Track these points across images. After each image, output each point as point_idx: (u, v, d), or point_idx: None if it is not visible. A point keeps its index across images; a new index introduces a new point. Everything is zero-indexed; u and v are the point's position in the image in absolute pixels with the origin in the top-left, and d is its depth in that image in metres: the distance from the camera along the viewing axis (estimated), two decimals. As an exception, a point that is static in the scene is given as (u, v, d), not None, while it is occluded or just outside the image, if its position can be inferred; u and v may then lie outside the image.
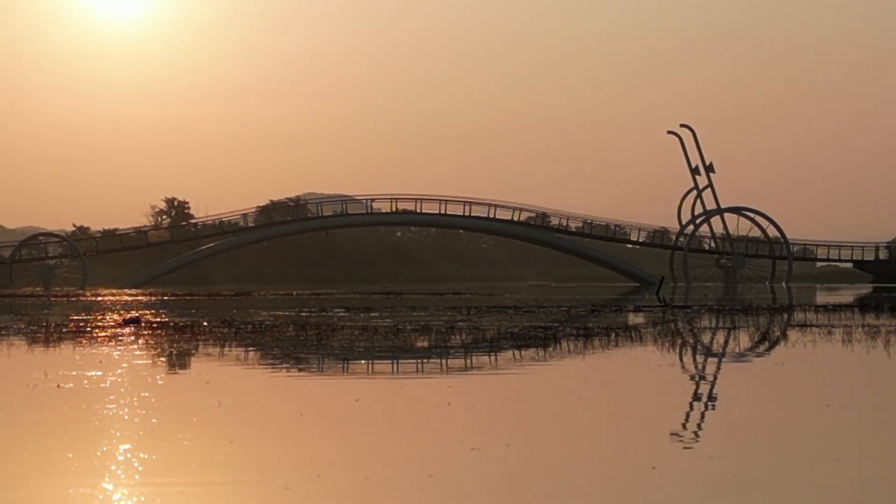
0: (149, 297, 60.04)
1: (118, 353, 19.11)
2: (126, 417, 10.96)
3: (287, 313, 35.48)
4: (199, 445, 9.28)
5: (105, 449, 9.04)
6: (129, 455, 8.75)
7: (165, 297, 59.32)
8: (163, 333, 24.31)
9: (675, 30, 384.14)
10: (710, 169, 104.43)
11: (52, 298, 60.74)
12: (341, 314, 34.45)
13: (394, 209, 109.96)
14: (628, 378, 15.49)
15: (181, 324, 28.21)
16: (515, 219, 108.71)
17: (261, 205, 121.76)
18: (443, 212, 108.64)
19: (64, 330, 25.87)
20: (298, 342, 21.56)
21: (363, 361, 17.72)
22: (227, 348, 20.20)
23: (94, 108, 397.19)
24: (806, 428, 10.32)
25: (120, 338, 23.00)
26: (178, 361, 18.14)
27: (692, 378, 15.55)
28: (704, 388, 14.06)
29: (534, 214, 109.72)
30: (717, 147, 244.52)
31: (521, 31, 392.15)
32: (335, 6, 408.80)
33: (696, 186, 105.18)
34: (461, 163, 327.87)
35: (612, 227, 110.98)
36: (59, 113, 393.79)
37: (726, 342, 23.50)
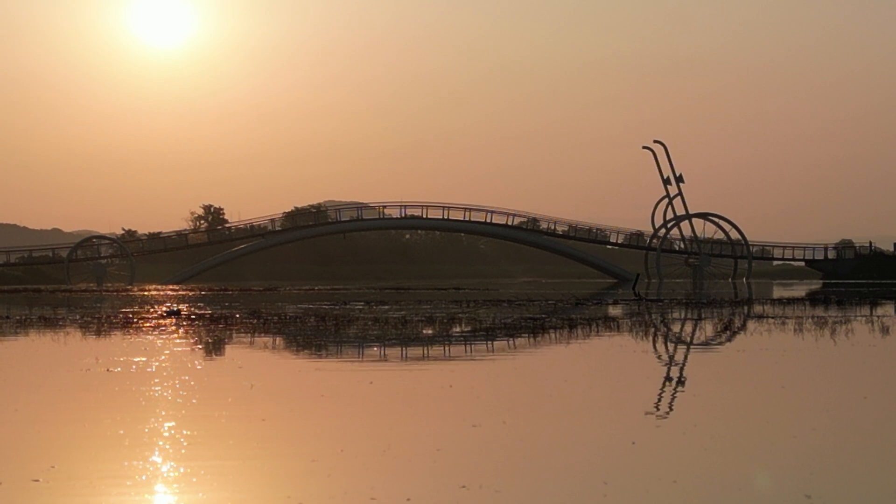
0: (188, 292, 60.05)
1: (161, 341, 19.11)
2: (169, 398, 10.96)
3: (309, 306, 35.49)
4: (235, 423, 9.29)
5: (152, 426, 9.04)
6: (173, 431, 8.76)
7: (203, 292, 59.32)
8: (200, 324, 24.32)
9: (650, 58, 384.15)
10: (679, 179, 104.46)
11: (104, 293, 60.71)
12: (359, 307, 34.44)
13: (403, 215, 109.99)
14: (608, 363, 15.49)
15: (216, 315, 28.21)
16: (509, 223, 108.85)
17: (287, 211, 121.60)
18: (446, 217, 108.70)
19: (113, 321, 25.87)
20: (319, 332, 21.56)
21: (376, 348, 17.71)
22: (257, 337, 20.20)
23: (141, 126, 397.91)
24: (765, 407, 10.32)
25: (163, 328, 23.01)
26: (214, 348, 18.14)
27: (664, 363, 15.54)
28: (675, 372, 14.04)
29: (525, 219, 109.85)
30: (686, 160, 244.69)
31: (514, 62, 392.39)
32: (352, 42, 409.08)
33: (668, 195, 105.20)
34: (462, 174, 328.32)
35: (594, 231, 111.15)
36: (111, 131, 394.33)
37: (693, 331, 23.50)
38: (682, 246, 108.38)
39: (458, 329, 22.59)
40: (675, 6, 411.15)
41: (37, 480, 6.73)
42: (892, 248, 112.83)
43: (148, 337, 20.14)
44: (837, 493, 6.43)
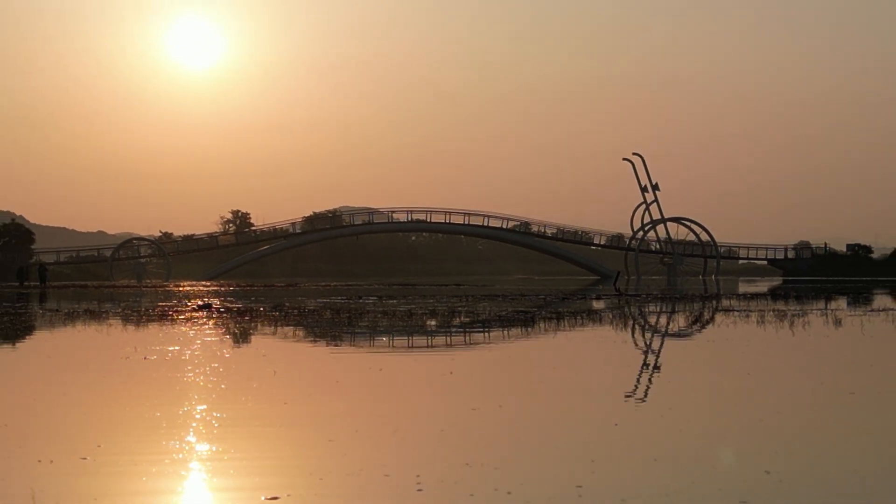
0: (218, 288, 60.02)
1: (193, 332, 19.09)
2: (200, 383, 10.93)
3: (326, 300, 35.45)
4: (259, 406, 9.27)
5: (186, 409, 9.02)
6: (204, 413, 8.74)
7: (231, 288, 59.29)
8: (228, 316, 24.29)
9: (629, 78, 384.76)
10: (655, 187, 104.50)
11: (143, 289, 60.65)
12: (371, 301, 34.39)
13: (409, 219, 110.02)
14: (591, 351, 15.47)
15: (243, 309, 28.19)
16: (504, 226, 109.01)
17: (306, 215, 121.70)
18: (448, 221, 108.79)
19: (151, 313, 25.85)
20: (334, 323, 21.52)
21: (385, 338, 17.69)
22: (279, 328, 20.18)
23: (177, 139, 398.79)
24: (733, 392, 10.30)
25: (195, 320, 22.98)
26: (241, 338, 18.11)
27: (641, 351, 15.51)
28: (651, 359, 14.02)
29: (518, 223, 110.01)
30: (661, 170, 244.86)
31: (509, 83, 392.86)
32: (364, 66, 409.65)
33: (645, 201, 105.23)
34: (462, 183, 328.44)
35: (580, 233, 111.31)
36: (150, 144, 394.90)
37: (668, 323, 23.46)
38: (657, 247, 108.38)
39: (458, 321, 22.55)
40: (651, 35, 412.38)
41: (84, 458, 6.72)
42: (844, 249, 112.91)
43: (182, 328, 20.12)
44: (796, 470, 6.42)
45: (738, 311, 26.79)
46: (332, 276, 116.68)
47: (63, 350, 16.05)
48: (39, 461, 6.63)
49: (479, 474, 6.20)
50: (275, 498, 5.66)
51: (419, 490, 5.83)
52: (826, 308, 29.09)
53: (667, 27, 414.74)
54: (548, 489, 5.85)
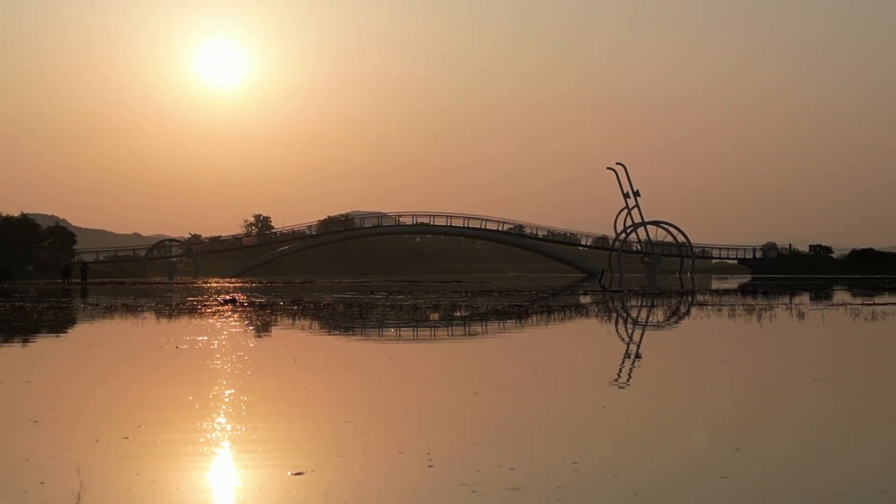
0: (242, 284, 59.99)
1: (220, 323, 19.08)
2: (228, 370, 10.93)
3: (339, 296, 35.43)
4: (282, 390, 9.27)
5: (216, 393, 9.02)
6: (232, 397, 8.74)
7: (253, 284, 59.26)
8: (251, 310, 24.27)
9: (615, 93, 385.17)
10: (637, 194, 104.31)
11: (174, 285, 60.62)
12: (380, 296, 34.37)
13: (414, 222, 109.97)
14: (580, 341, 15.45)
15: (264, 303, 28.17)
16: (500, 229, 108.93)
17: (321, 219, 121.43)
18: (449, 224, 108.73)
19: (181, 307, 25.83)
20: (347, 316, 21.52)
21: (392, 329, 17.67)
22: (297, 320, 20.16)
23: (205, 150, 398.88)
24: (708, 377, 10.30)
25: (221, 313, 22.97)
26: (263, 330, 18.10)
27: (625, 342, 15.48)
28: (634, 349, 14.00)
29: (513, 226, 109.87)
30: (641, 177, 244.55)
31: (504, 97, 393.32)
32: (373, 83, 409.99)
33: (627, 206, 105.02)
34: (462, 189, 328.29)
35: (568, 235, 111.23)
36: (181, 154, 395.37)
37: (648, 316, 23.44)
38: (638, 247, 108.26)
39: (458, 314, 22.54)
40: (634, 52, 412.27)
41: (126, 438, 6.72)
42: (807, 249, 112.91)
43: (210, 320, 20.11)
44: (764, 447, 6.41)
45: (711, 305, 26.77)
46: (345, 274, 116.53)
47: (103, 340, 16.04)
48: (86, 440, 6.63)
49: (484, 452, 6.21)
50: (300, 473, 5.66)
51: (430, 466, 5.83)
52: (791, 303, 29.07)
53: (657, 42, 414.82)
54: (546, 465, 5.85)
